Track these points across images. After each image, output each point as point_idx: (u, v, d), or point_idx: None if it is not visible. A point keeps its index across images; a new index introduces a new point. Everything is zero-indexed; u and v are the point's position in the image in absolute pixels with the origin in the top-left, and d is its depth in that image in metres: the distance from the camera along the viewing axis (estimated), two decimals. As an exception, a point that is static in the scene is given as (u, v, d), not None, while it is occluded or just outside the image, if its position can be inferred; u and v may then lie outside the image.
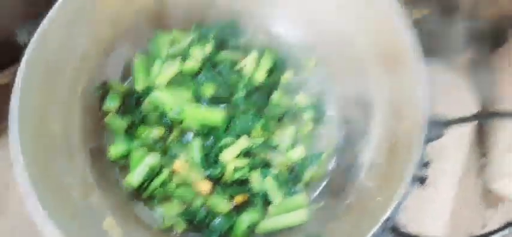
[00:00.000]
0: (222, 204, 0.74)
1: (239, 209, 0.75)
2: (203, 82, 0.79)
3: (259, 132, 0.76)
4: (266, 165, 0.76)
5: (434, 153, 0.84)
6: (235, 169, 0.74)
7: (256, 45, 0.83)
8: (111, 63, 0.79)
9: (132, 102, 0.80)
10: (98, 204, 0.70)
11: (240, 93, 0.79)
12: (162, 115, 0.78)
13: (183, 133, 0.78)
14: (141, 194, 0.75)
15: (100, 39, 0.76)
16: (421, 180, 0.84)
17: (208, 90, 0.78)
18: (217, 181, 0.75)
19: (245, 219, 0.73)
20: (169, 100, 0.76)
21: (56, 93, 0.70)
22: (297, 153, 0.77)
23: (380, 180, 0.69)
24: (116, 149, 0.76)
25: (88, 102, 0.76)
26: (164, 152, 0.77)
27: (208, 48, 0.80)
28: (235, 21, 0.84)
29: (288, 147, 0.78)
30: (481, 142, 0.96)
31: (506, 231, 0.60)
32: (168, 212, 0.75)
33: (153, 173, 0.74)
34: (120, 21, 0.77)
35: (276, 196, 0.74)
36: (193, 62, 0.79)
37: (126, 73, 0.82)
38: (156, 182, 0.74)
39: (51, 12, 0.67)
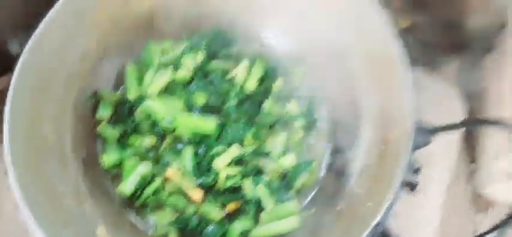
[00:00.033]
0: (214, 212, 0.74)
1: (231, 216, 0.75)
2: (195, 91, 0.79)
3: (250, 140, 0.77)
4: (258, 172, 0.76)
5: (423, 160, 0.86)
6: (228, 177, 0.75)
7: (247, 54, 0.84)
8: (103, 73, 0.80)
9: (124, 111, 0.80)
10: (91, 213, 0.70)
11: (232, 102, 0.79)
12: (154, 124, 0.78)
13: (175, 141, 0.78)
14: (134, 202, 0.75)
15: (92, 48, 0.76)
16: (412, 186, 0.86)
17: (200, 99, 0.78)
18: (209, 189, 0.76)
19: (237, 227, 0.74)
20: (161, 109, 0.77)
21: (48, 103, 0.70)
22: (289, 160, 0.77)
23: (370, 186, 0.69)
24: (108, 158, 0.76)
25: (80, 110, 0.77)
26: (156, 161, 0.77)
27: (200, 57, 0.81)
28: (226, 31, 0.84)
29: (280, 154, 0.78)
30: (470, 148, 0.97)
31: (495, 233, 0.61)
32: (161, 221, 0.75)
33: (145, 182, 0.75)
34: (112, 32, 0.78)
35: (268, 203, 0.74)
36: (185, 71, 0.80)
37: (119, 82, 0.82)
38: (148, 190, 0.74)
39: (44, 22, 0.67)
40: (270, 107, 0.81)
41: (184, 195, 0.75)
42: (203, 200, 0.75)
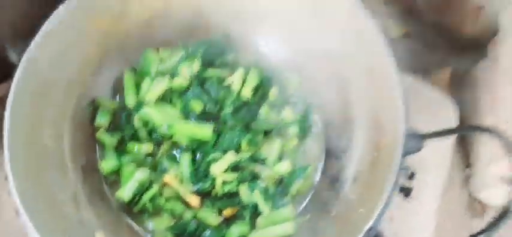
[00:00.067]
0: (211, 217, 0.75)
1: (228, 222, 0.76)
2: (191, 99, 0.79)
3: (246, 147, 0.77)
4: (254, 178, 0.77)
5: (418, 166, 0.87)
6: (224, 183, 0.75)
7: (243, 62, 0.84)
8: (101, 80, 0.80)
9: (122, 118, 0.81)
10: (89, 219, 0.71)
11: (228, 109, 0.79)
12: (152, 130, 0.79)
13: (172, 148, 0.79)
14: (132, 208, 0.76)
15: (91, 56, 0.77)
16: (407, 192, 0.87)
17: (197, 106, 0.79)
18: (206, 195, 0.76)
19: (234, 232, 0.74)
20: (158, 116, 0.77)
21: (48, 109, 0.71)
22: (284, 167, 0.78)
23: (362, 192, 0.70)
24: (107, 165, 0.77)
25: (79, 118, 0.77)
26: (154, 167, 0.78)
27: (196, 65, 0.81)
28: (222, 40, 0.85)
29: (275, 161, 0.78)
30: (465, 154, 0.98)
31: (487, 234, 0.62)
32: (159, 226, 0.76)
33: (143, 188, 0.75)
34: (111, 40, 0.78)
35: (265, 208, 0.75)
36: (181, 79, 0.80)
37: (117, 89, 0.83)
38: (146, 196, 0.75)
39: (43, 30, 0.68)
40: (266, 114, 0.81)
41: (182, 201, 0.76)
42: (200, 206, 0.76)
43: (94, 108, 0.80)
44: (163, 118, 0.77)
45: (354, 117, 0.77)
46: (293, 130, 0.82)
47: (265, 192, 0.75)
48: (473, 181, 0.96)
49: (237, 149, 0.77)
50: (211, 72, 0.82)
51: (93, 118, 0.80)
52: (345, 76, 0.77)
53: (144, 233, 0.76)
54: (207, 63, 0.83)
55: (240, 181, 0.76)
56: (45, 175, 0.68)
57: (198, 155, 0.78)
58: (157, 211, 0.76)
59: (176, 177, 0.76)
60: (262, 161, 0.78)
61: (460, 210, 0.96)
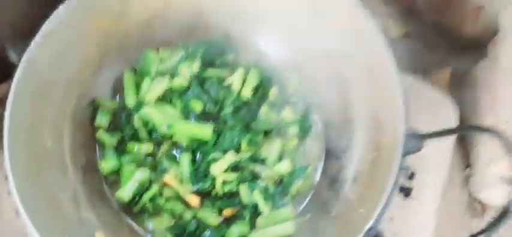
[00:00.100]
0: (211, 217, 0.75)
1: (228, 221, 0.76)
2: (191, 99, 0.79)
3: (246, 147, 0.77)
4: (254, 178, 0.77)
5: (418, 166, 0.87)
6: (224, 183, 0.75)
7: (243, 62, 0.84)
8: (101, 80, 0.80)
9: (122, 118, 0.81)
10: (89, 219, 0.71)
11: (228, 109, 0.79)
12: (152, 130, 0.79)
13: (172, 148, 0.79)
14: (132, 208, 0.76)
15: (91, 56, 0.77)
16: (407, 192, 0.87)
17: (197, 106, 0.79)
18: (206, 195, 0.76)
19: (234, 232, 0.74)
20: (158, 116, 0.77)
21: (48, 109, 0.71)
22: (284, 166, 0.78)
23: (362, 192, 0.70)
24: (107, 165, 0.77)
25: (79, 118, 0.77)
26: (154, 167, 0.78)
27: (196, 65, 0.81)
28: (222, 40, 0.85)
29: (275, 161, 0.79)
30: (465, 154, 0.98)
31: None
32: (159, 226, 0.76)
33: (143, 188, 0.75)
34: (111, 40, 0.78)
35: (265, 208, 0.75)
36: (181, 79, 0.80)
37: (117, 89, 0.83)
38: (146, 196, 0.75)
39: (43, 30, 0.68)
40: (266, 114, 0.81)
41: (182, 201, 0.76)
42: (200, 206, 0.76)
43: (94, 108, 0.80)
44: (163, 118, 0.77)
45: (354, 117, 0.77)
46: (293, 130, 0.82)
47: (265, 192, 0.75)
48: (473, 181, 0.96)
49: (237, 149, 0.77)
50: (211, 72, 0.83)
51: (93, 118, 0.80)
52: (345, 76, 0.77)
53: (144, 233, 0.76)
54: (207, 63, 0.83)
55: (240, 181, 0.76)
56: (45, 174, 0.68)
57: (198, 155, 0.78)
58: (157, 211, 0.76)
59: (176, 177, 0.76)
60: (262, 161, 0.78)
61: (460, 210, 0.96)
